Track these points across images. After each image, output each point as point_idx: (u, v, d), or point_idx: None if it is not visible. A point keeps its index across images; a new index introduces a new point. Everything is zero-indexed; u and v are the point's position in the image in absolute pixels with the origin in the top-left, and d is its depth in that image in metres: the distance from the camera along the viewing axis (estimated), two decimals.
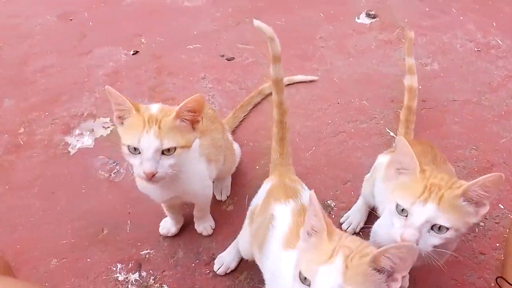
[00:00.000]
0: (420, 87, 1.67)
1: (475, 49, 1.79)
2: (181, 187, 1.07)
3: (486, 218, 1.38)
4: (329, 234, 0.74)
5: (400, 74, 1.69)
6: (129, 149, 0.93)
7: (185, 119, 0.96)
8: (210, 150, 1.18)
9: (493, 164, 1.49)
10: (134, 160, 0.94)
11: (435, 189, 0.91)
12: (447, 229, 0.89)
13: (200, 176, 1.14)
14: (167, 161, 0.94)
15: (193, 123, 0.99)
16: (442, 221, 0.88)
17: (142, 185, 1.09)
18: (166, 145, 0.93)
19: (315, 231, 0.77)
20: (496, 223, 1.37)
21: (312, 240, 0.77)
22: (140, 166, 0.93)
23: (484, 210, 0.91)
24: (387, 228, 1.03)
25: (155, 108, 0.97)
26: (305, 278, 0.73)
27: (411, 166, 0.95)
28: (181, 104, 0.95)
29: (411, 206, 0.90)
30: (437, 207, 0.88)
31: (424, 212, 0.89)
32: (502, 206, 1.40)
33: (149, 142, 0.91)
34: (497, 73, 1.72)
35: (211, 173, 1.21)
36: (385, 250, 0.71)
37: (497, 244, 1.32)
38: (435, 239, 0.90)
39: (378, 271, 0.72)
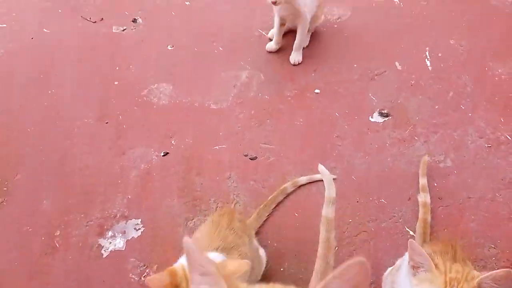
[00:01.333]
0: (435, 184, 1.76)
1: (486, 145, 1.88)
2: None
3: None
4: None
5: (415, 171, 1.79)
6: None
7: None
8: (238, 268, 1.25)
9: None
10: None
11: (454, 283, 1.01)
12: None
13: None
14: None
15: None
16: None
17: None
18: None
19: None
20: None
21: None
22: None
23: None
24: None
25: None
26: None
27: (426, 265, 1.07)
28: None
29: None
30: None
31: None
32: None
33: None
34: (509, 169, 1.80)
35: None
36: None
37: None
38: None
39: None
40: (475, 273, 1.06)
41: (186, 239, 0.60)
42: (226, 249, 1.21)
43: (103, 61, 2.39)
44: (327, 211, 1.26)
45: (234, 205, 1.74)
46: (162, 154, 1.93)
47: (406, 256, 1.35)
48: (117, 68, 2.35)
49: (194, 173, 1.86)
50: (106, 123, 2.08)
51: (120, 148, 1.97)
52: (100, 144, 2.00)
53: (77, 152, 1.99)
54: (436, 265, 1.07)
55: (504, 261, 1.54)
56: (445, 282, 1.03)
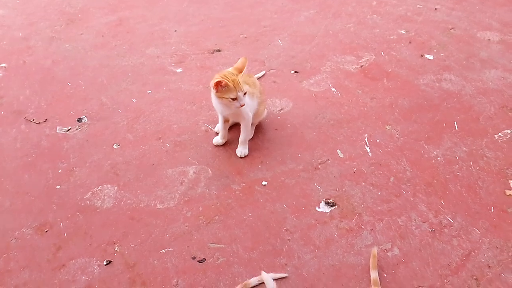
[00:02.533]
0: (385, 275, 1.75)
1: (430, 230, 1.93)
2: None
3: None
4: None
5: (365, 262, 1.78)
6: None
7: None
8: None
9: None
10: None
11: None
12: None
13: None
14: None
15: None
16: None
17: None
18: None
19: None
20: None
21: None
22: None
23: None
24: None
25: None
26: None
27: None
28: None
29: None
30: None
31: None
32: None
33: None
34: (454, 253, 1.83)
35: None
36: None
37: None
38: None
39: None
40: None
41: None
42: None
43: (45, 164, 2.34)
44: None
45: None
46: (104, 263, 1.84)
47: None
48: (59, 171, 2.29)
49: (139, 283, 1.76)
50: (46, 231, 1.98)
51: (60, 260, 1.86)
52: (38, 257, 1.88)
53: (14, 267, 1.86)
54: None
55: None
56: None
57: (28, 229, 2.00)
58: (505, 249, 1.85)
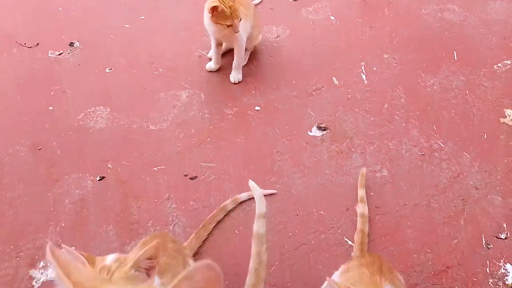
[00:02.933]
0: (372, 194, 1.78)
1: (420, 153, 1.94)
2: None
3: None
4: None
5: (353, 182, 1.81)
6: None
7: (142, 268, 0.99)
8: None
9: (448, 267, 1.55)
10: None
11: None
12: None
13: None
14: None
15: (149, 270, 1.01)
16: None
17: None
18: None
19: None
20: None
21: None
22: None
23: None
24: None
25: (110, 258, 1.02)
26: None
27: None
28: (139, 253, 0.99)
29: None
30: None
31: None
32: None
33: None
34: (443, 175, 1.85)
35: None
36: None
37: None
38: None
39: None
40: None
41: None
42: (159, 272, 1.16)
43: (38, 86, 2.32)
44: (258, 226, 1.26)
45: (173, 226, 1.70)
46: (97, 178, 1.87)
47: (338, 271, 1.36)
48: (52, 93, 2.28)
49: (131, 196, 1.80)
50: (39, 149, 2.00)
51: (53, 176, 1.89)
52: (32, 172, 1.91)
53: (8, 182, 1.89)
54: None
55: (440, 266, 1.56)
56: None
57: (22, 147, 2.02)
58: (494, 173, 1.86)
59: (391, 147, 1.97)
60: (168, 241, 1.30)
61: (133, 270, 0.99)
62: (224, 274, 1.57)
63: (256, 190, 1.30)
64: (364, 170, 1.81)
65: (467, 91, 2.24)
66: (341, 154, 1.94)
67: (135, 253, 1.01)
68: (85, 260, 0.99)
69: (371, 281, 1.15)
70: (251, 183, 1.31)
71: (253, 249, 1.23)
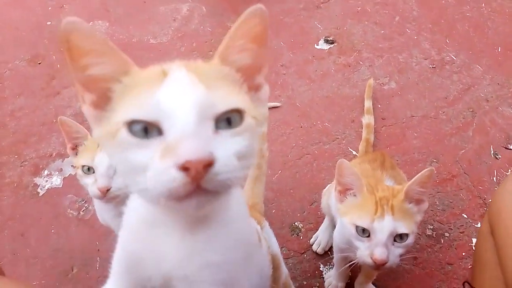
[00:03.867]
0: (379, 106, 1.74)
1: (430, 66, 1.86)
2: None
3: (451, 228, 1.41)
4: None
5: (360, 94, 1.76)
6: (83, 170, 0.98)
7: None
8: None
9: (454, 175, 1.53)
10: (87, 180, 0.98)
11: (384, 202, 0.95)
12: (407, 235, 0.93)
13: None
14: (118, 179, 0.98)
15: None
16: (402, 229, 0.93)
17: (102, 216, 1.12)
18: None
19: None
20: (461, 232, 1.40)
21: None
22: (94, 184, 0.98)
23: (425, 206, 0.98)
24: (345, 234, 1.07)
25: None
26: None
27: (357, 185, 0.99)
28: None
29: (371, 224, 0.93)
30: (393, 218, 0.93)
31: (385, 226, 0.92)
32: (465, 216, 1.43)
33: (101, 159, 0.96)
34: (453, 87, 1.79)
35: None
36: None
37: (463, 254, 1.35)
38: (400, 249, 0.95)
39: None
40: (399, 187, 1.01)
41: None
42: None
43: (34, 1, 2.23)
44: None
45: None
46: None
47: None
48: (49, 8, 2.20)
49: None
50: (39, 63, 1.95)
51: (54, 88, 1.86)
52: (33, 86, 1.88)
53: (9, 95, 1.87)
54: (368, 187, 0.98)
55: (445, 174, 1.55)
56: (376, 202, 0.97)
57: (21, 61, 1.97)
58: (506, 85, 1.80)
59: (400, 60, 1.90)
60: None
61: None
62: None
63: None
64: (371, 81, 1.74)
65: (483, 4, 2.12)
66: (348, 67, 1.88)
67: None
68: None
69: (373, 175, 1.13)
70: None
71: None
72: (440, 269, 1.33)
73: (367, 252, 0.95)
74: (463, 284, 1.25)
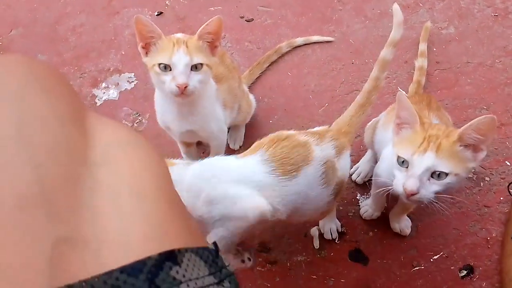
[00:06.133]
0: (435, 49, 1.71)
1: (493, 14, 1.79)
2: (199, 121, 1.17)
3: (492, 174, 1.42)
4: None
5: (416, 36, 1.73)
6: (160, 68, 1.04)
7: (207, 41, 1.08)
8: (226, 96, 1.27)
9: (503, 124, 1.52)
10: (165, 77, 1.05)
11: (433, 139, 0.97)
12: (446, 175, 0.95)
13: (217, 117, 1.23)
14: (196, 76, 1.06)
15: (212, 48, 1.10)
16: (441, 167, 0.95)
17: (163, 117, 1.20)
18: (195, 61, 1.05)
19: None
20: (502, 178, 1.41)
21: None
22: (172, 81, 1.04)
23: (482, 154, 0.98)
24: (386, 169, 1.10)
25: (179, 35, 1.08)
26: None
27: (411, 120, 1.01)
28: (202, 26, 1.07)
29: (411, 157, 0.96)
30: (436, 155, 0.95)
31: (424, 161, 0.95)
32: (508, 163, 1.43)
33: (180, 58, 1.03)
34: None
35: (225, 119, 1.29)
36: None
37: (501, 198, 1.37)
38: (435, 186, 0.97)
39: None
40: (456, 129, 1.01)
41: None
42: (216, 78, 1.23)
43: None
44: (386, 52, 1.17)
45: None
46: (156, 13, 1.88)
47: (386, 111, 1.35)
48: None
49: (188, 32, 1.77)
50: None
51: (114, 8, 1.92)
52: (93, 4, 1.95)
53: (71, 11, 1.95)
54: (423, 123, 0.99)
55: (487, 139, 1.52)
56: (424, 137, 0.98)
57: None
58: None
59: (462, 5, 1.83)
60: (226, 57, 1.33)
61: (201, 42, 1.07)
62: (274, 110, 1.61)
63: (398, 15, 1.18)
64: (429, 23, 1.70)
65: None
66: (407, 8, 1.83)
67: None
68: None
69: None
70: (395, 7, 1.18)
71: (374, 73, 1.18)
72: (476, 210, 1.35)
73: (402, 181, 0.98)
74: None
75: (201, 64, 1.06)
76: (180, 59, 1.03)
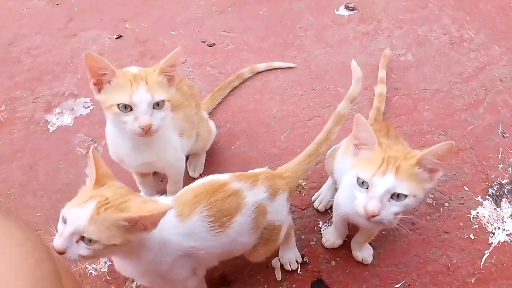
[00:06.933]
0: (393, 76, 1.74)
1: (449, 42, 1.85)
2: (155, 153, 1.12)
3: (451, 199, 1.43)
4: (97, 184, 0.84)
5: (375, 63, 1.76)
6: (119, 108, 0.98)
7: (166, 75, 1.04)
8: (183, 124, 1.23)
9: (460, 149, 1.54)
10: (126, 118, 0.99)
11: (392, 160, 0.96)
12: (405, 196, 0.95)
13: (173, 146, 1.18)
14: (159, 114, 1.01)
15: (169, 80, 1.05)
16: (400, 189, 0.94)
17: (116, 151, 1.14)
18: (156, 98, 0.99)
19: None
20: (461, 204, 1.42)
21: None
22: (135, 121, 0.98)
23: (438, 175, 0.98)
24: (346, 198, 1.09)
25: (134, 69, 1.02)
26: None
27: (370, 141, 1.00)
28: (164, 60, 1.02)
29: (371, 178, 0.95)
30: (395, 177, 0.94)
31: (384, 182, 0.94)
32: (467, 188, 1.45)
33: (142, 97, 0.97)
34: (469, 64, 1.78)
35: (183, 147, 1.25)
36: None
37: (461, 224, 1.38)
38: (396, 207, 0.96)
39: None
40: (416, 152, 1.01)
41: (92, 150, 0.86)
42: (172, 106, 1.16)
43: None
44: (344, 105, 1.19)
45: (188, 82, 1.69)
46: (115, 37, 1.84)
47: (346, 138, 1.35)
48: None
49: (148, 56, 1.78)
50: (57, 4, 1.95)
51: (71, 30, 1.87)
52: (50, 26, 1.89)
53: (27, 32, 1.88)
54: (380, 144, 0.99)
55: (442, 162, 1.55)
56: (383, 158, 0.98)
57: (40, 1, 1.97)
58: None
59: (419, 33, 1.88)
60: (184, 84, 1.30)
61: (161, 77, 1.02)
62: (236, 136, 1.59)
63: (356, 71, 1.20)
64: (387, 50, 1.74)
65: None
66: (366, 35, 1.87)
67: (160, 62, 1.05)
68: None
69: None
70: (354, 63, 1.21)
71: (328, 125, 1.20)
72: (436, 236, 1.35)
73: (362, 202, 0.97)
74: None
75: (163, 100, 1.02)
76: (142, 99, 0.97)
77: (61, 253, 0.78)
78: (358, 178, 0.98)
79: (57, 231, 0.80)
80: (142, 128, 0.99)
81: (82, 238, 0.78)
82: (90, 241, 0.78)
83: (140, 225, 0.80)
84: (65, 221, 0.79)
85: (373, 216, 0.95)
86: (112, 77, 0.98)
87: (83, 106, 1.64)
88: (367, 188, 0.97)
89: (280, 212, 1.10)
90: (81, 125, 1.59)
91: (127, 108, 0.98)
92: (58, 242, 0.77)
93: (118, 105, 0.97)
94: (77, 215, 0.78)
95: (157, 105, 1.01)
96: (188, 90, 1.29)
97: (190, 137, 1.28)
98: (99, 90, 1.01)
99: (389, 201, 0.96)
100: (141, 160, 1.12)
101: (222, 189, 0.98)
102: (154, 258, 0.91)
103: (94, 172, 0.83)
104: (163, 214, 0.80)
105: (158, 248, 0.90)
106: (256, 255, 1.11)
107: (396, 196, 0.96)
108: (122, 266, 0.97)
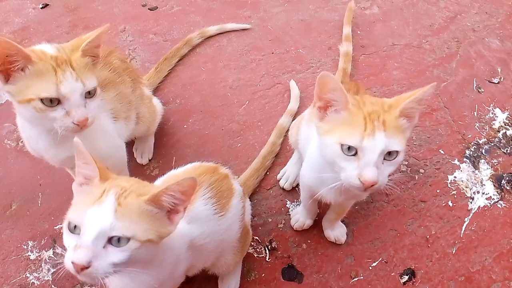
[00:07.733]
0: (359, 32, 1.58)
1: None
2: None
3: (426, 165, 1.32)
4: (103, 179, 0.69)
5: (338, 19, 1.59)
6: (43, 103, 0.78)
7: (92, 55, 0.85)
8: (115, 106, 1.03)
9: (434, 109, 1.43)
10: (54, 114, 0.80)
11: (375, 116, 0.81)
12: (397, 153, 0.81)
13: (105, 133, 1.00)
14: (93, 103, 0.84)
15: (94, 58, 0.87)
16: (393, 146, 0.79)
17: (33, 146, 0.94)
18: (88, 86, 0.82)
19: (88, 179, 0.70)
20: (437, 169, 1.32)
21: (85, 188, 0.70)
22: (66, 117, 0.80)
23: (415, 122, 0.84)
24: (312, 170, 0.97)
25: (48, 48, 0.82)
26: (75, 226, 0.64)
27: (341, 100, 0.83)
28: (88, 37, 0.84)
29: (360, 142, 0.80)
30: (385, 134, 0.79)
31: (376, 144, 0.78)
32: (442, 152, 1.34)
33: (72, 88, 0.79)
34: (439, 14, 1.64)
35: (120, 132, 1.07)
36: (166, 190, 0.67)
37: (438, 191, 1.27)
38: (390, 167, 0.82)
39: (159, 207, 0.68)
40: (390, 101, 0.86)
41: (76, 140, 0.68)
42: (101, 85, 0.96)
43: None
44: (284, 120, 1.30)
45: (130, 61, 1.49)
46: (40, 6, 1.59)
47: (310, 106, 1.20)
48: None
49: (80, 26, 1.55)
50: None
51: None
52: None
53: None
54: (353, 103, 0.82)
55: (424, 108, 1.43)
56: (364, 118, 0.83)
57: None
58: (495, 15, 1.66)
59: None
60: (114, 57, 1.09)
61: (87, 58, 0.84)
62: (189, 112, 1.41)
63: (294, 90, 1.28)
64: (352, 4, 1.57)
65: None
66: None
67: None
68: None
69: None
70: (292, 83, 1.19)
71: (271, 138, 1.29)
72: (413, 207, 1.25)
73: (355, 172, 0.81)
74: None
75: (95, 87, 0.83)
76: (72, 89, 0.79)
77: (83, 269, 0.61)
78: (342, 145, 0.83)
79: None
80: (78, 124, 0.80)
81: (110, 241, 0.63)
82: (119, 241, 0.63)
83: (171, 207, 0.69)
84: (74, 230, 0.64)
85: (372, 186, 0.81)
86: (26, 63, 0.77)
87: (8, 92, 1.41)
88: (354, 155, 0.82)
89: (248, 215, 1.08)
90: (7, 113, 1.37)
91: (53, 102, 0.78)
92: (80, 255, 0.61)
93: (41, 99, 0.77)
94: (96, 214, 0.63)
95: (89, 93, 0.82)
96: (120, 64, 1.08)
97: (128, 120, 1.09)
98: (7, 79, 0.79)
99: (382, 163, 0.82)
100: (64, 154, 0.92)
101: (217, 172, 0.92)
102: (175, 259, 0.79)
103: (94, 166, 0.69)
104: (194, 183, 0.67)
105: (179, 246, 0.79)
106: (226, 261, 1.01)
107: (387, 155, 0.82)
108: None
